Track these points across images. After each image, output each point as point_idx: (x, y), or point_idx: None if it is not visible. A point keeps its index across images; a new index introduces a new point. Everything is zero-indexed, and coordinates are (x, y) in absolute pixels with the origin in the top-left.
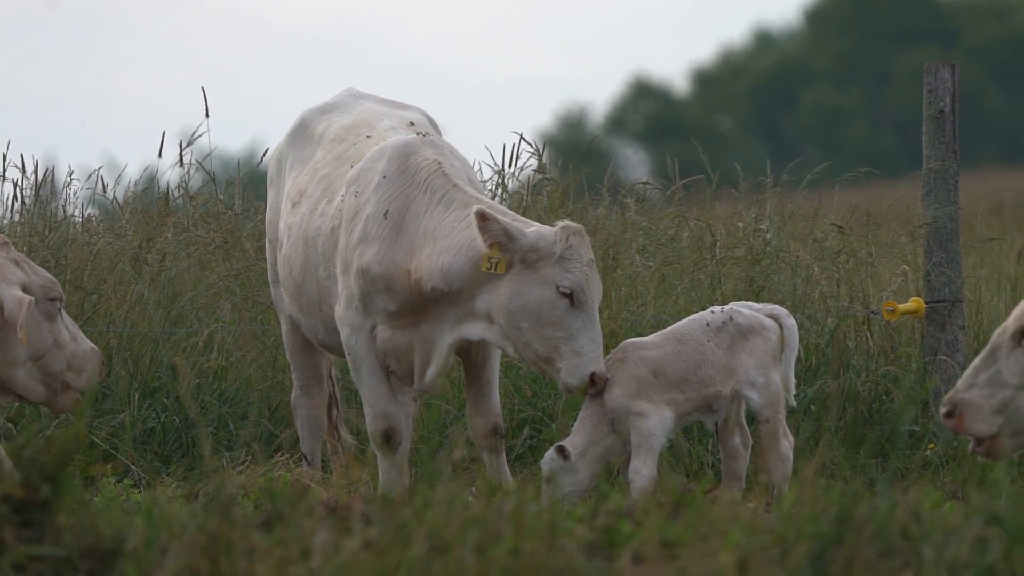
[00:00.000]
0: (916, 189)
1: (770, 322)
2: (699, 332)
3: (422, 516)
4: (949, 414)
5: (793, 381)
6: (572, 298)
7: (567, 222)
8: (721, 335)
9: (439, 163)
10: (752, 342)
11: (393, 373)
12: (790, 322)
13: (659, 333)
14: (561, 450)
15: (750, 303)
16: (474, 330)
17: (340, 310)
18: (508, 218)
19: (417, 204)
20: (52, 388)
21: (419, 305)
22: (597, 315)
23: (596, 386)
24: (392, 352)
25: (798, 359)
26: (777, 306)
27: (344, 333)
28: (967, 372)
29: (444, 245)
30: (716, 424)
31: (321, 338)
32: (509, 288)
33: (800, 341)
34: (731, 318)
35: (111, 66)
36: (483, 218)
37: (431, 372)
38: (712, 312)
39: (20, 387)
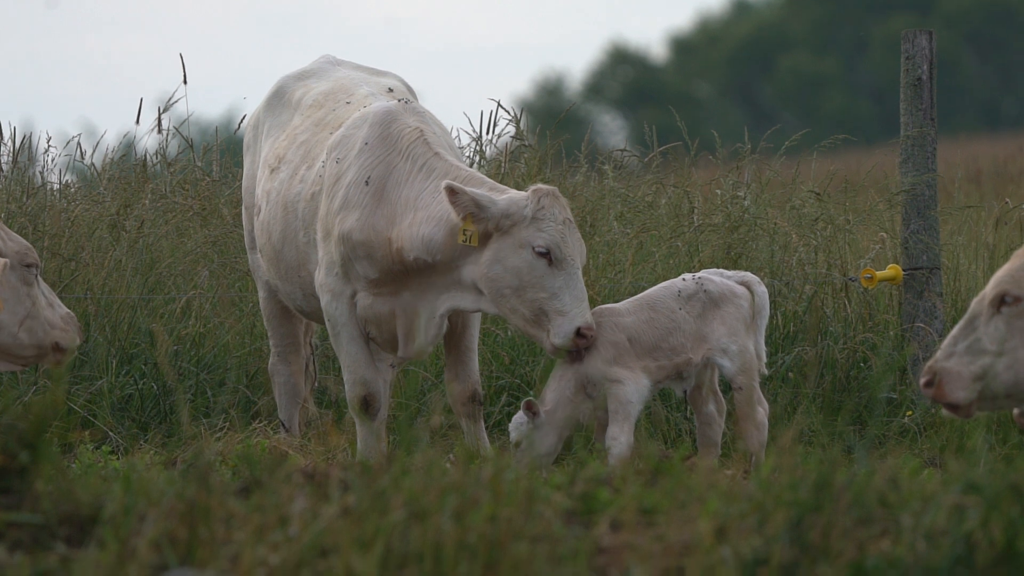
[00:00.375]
0: (894, 156)
1: (741, 289)
2: (671, 299)
3: (400, 483)
4: (929, 383)
5: (764, 349)
6: (549, 257)
7: (539, 185)
8: (692, 303)
9: (421, 131)
10: (724, 309)
11: (373, 340)
12: (761, 289)
13: (631, 300)
14: (529, 406)
15: (721, 270)
16: (466, 301)
17: (320, 276)
18: (486, 188)
19: (399, 172)
20: (41, 352)
21: (401, 273)
22: (579, 272)
23: (586, 339)
24: (373, 320)
25: (776, 326)
26: (748, 273)
27: (324, 299)
28: (946, 341)
29: (424, 215)
30: (685, 391)
31: (299, 304)
32: (488, 255)
33: (778, 308)
34: (702, 286)
35: (88, 31)
36: (452, 192)
37: (419, 341)
38: (683, 280)
39: (6, 351)
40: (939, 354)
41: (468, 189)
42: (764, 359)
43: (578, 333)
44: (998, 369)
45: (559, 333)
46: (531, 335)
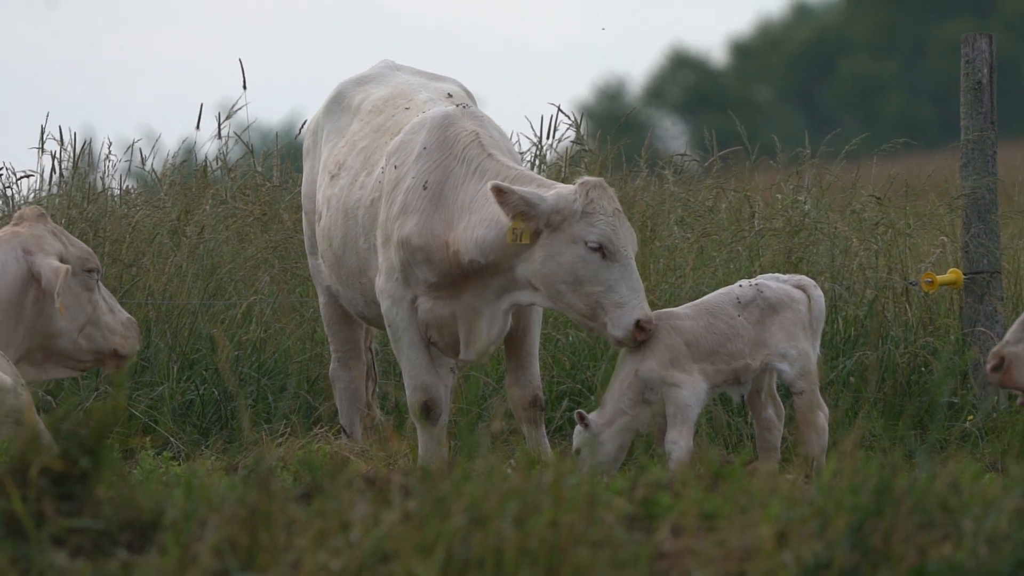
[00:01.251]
0: (954, 160)
1: (798, 293)
2: (729, 306)
3: (461, 488)
4: (996, 367)
5: (818, 354)
6: (602, 251)
7: (585, 177)
8: (750, 309)
9: (477, 134)
10: (782, 315)
11: (434, 344)
12: (817, 293)
13: (690, 304)
14: (581, 418)
15: (777, 275)
16: (523, 295)
17: (381, 282)
18: (533, 185)
19: (455, 175)
20: (100, 356)
21: (459, 276)
22: (633, 263)
23: (645, 332)
24: (434, 323)
25: (837, 331)
26: (805, 277)
27: (384, 305)
28: (1014, 326)
29: (478, 217)
30: (742, 397)
31: (360, 310)
32: (541, 253)
33: (839, 312)
34: (760, 292)
35: (147, 36)
36: (499, 192)
37: (482, 341)
38: (740, 286)
39: (66, 356)
40: (1007, 337)
41: (516, 188)
42: (817, 361)
43: (637, 325)
44: None
45: (618, 325)
46: (590, 328)
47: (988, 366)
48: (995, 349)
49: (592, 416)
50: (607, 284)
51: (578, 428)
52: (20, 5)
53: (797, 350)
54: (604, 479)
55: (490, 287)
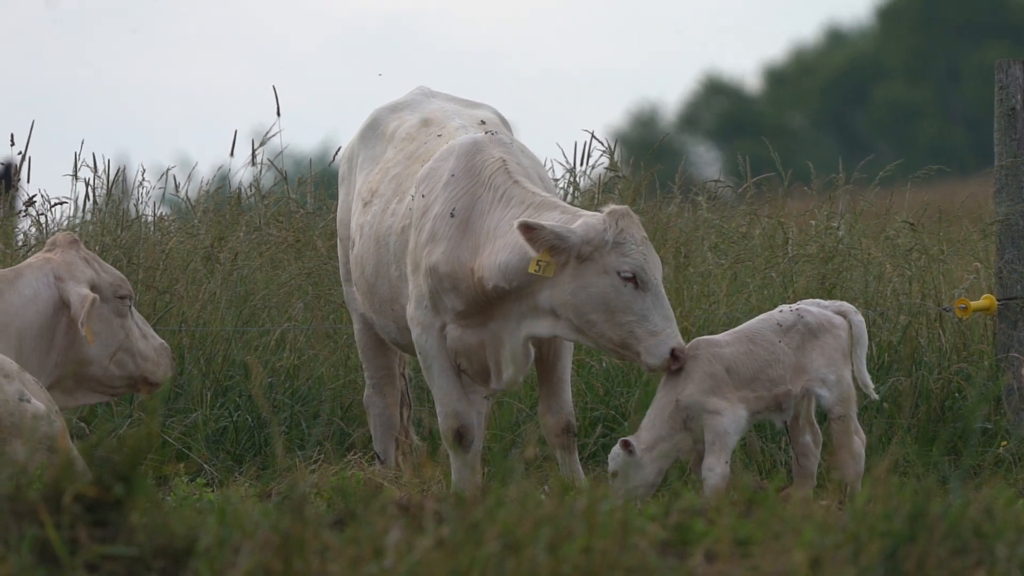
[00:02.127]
0: (988, 186)
1: (839, 319)
2: (770, 331)
3: (495, 515)
4: None
5: (867, 376)
6: (635, 280)
7: (613, 206)
8: (791, 334)
9: (503, 160)
10: (822, 340)
11: (464, 372)
12: (858, 318)
13: (730, 332)
14: (626, 444)
15: (818, 300)
16: (542, 327)
17: (411, 309)
18: (558, 212)
19: (482, 202)
20: (132, 383)
21: (485, 304)
22: (663, 290)
23: (678, 361)
24: (463, 351)
25: (871, 356)
26: (845, 303)
27: (415, 332)
28: None
29: (502, 243)
30: (785, 422)
31: (394, 337)
32: (571, 283)
33: (872, 338)
34: (801, 317)
35: (180, 63)
36: (528, 229)
37: (510, 372)
38: (781, 311)
39: (98, 383)
40: None
41: (545, 224)
42: (871, 385)
43: (672, 354)
44: None
45: (654, 354)
46: (617, 356)
47: None
48: None
49: (632, 440)
50: (640, 314)
51: (616, 452)
52: (54, 32)
53: (836, 375)
54: (638, 504)
55: (511, 314)
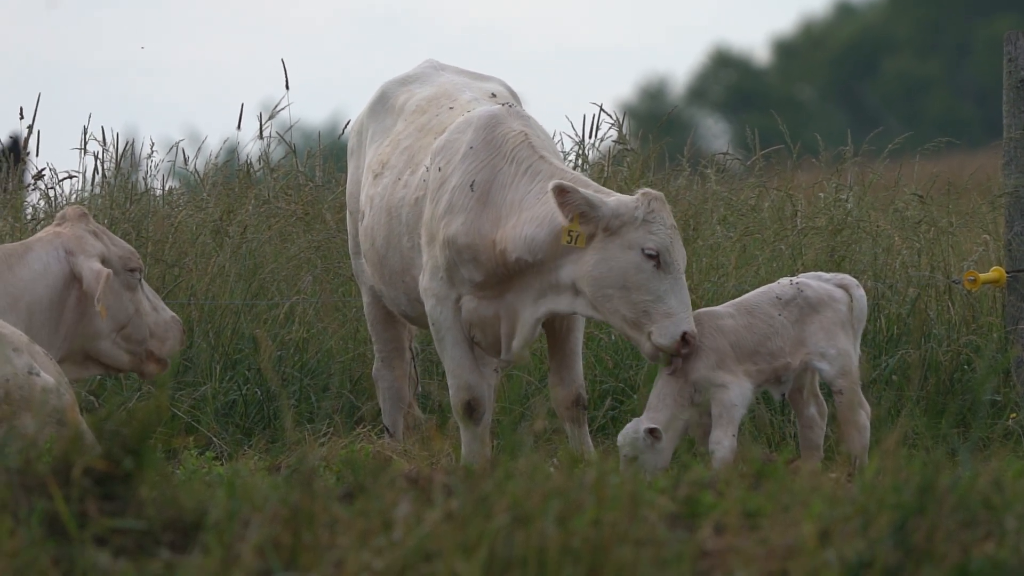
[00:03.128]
0: (997, 158)
1: (840, 292)
2: (768, 305)
3: (504, 488)
4: None
5: (858, 353)
6: (658, 260)
7: (647, 189)
8: (790, 308)
9: (525, 134)
10: (822, 314)
11: (477, 344)
12: (859, 293)
13: (730, 303)
14: (653, 431)
15: (819, 273)
16: (561, 303)
17: (425, 281)
18: (591, 189)
19: (503, 175)
20: (137, 357)
21: (504, 276)
22: (684, 279)
23: (689, 346)
24: (477, 323)
25: (879, 329)
26: (847, 276)
27: (429, 304)
28: None
29: (528, 216)
30: (783, 395)
31: (404, 309)
32: (594, 256)
33: (882, 311)
34: (800, 291)
35: (188, 36)
36: (562, 191)
37: (516, 343)
38: (781, 284)
39: (105, 357)
40: None
41: (580, 189)
42: (857, 363)
43: (684, 337)
44: None
45: (665, 334)
46: (629, 337)
47: None
48: None
49: (656, 426)
50: (657, 294)
51: (627, 435)
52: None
53: (837, 349)
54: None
55: (531, 288)
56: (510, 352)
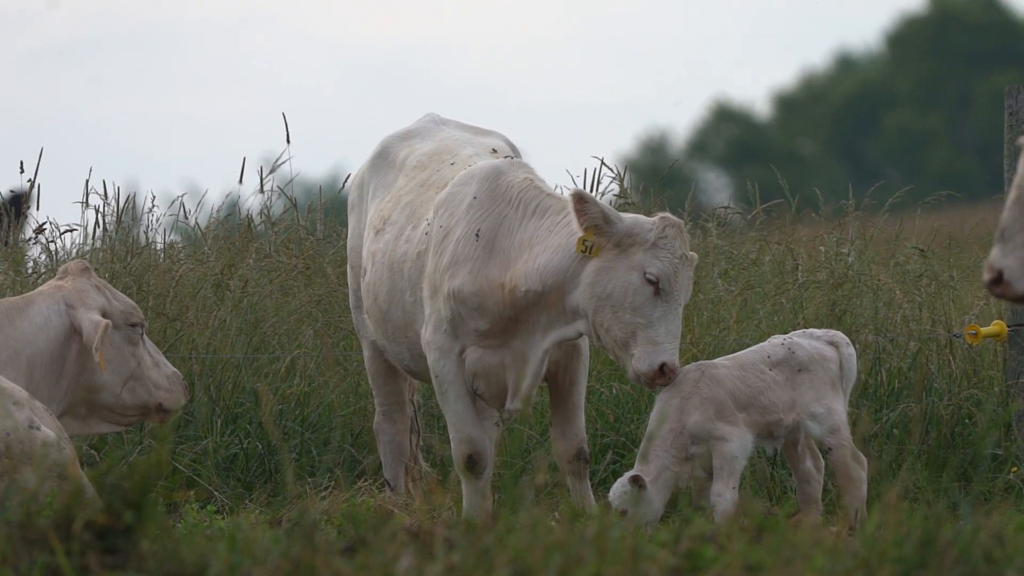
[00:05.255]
0: (998, 212)
1: (830, 351)
2: (760, 362)
3: (505, 541)
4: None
5: (846, 408)
6: (657, 286)
7: (666, 214)
8: (781, 368)
9: (530, 180)
10: (812, 373)
11: (480, 396)
12: (849, 351)
13: (724, 358)
14: (636, 480)
15: (811, 331)
16: (570, 329)
17: (428, 334)
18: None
19: (509, 220)
20: (144, 411)
21: (511, 319)
22: (680, 310)
23: (666, 377)
24: (482, 373)
25: (880, 383)
26: (838, 333)
27: (432, 357)
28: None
29: (541, 247)
30: (775, 450)
31: (407, 364)
32: (597, 270)
33: (883, 364)
34: (791, 352)
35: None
36: (582, 200)
37: (525, 385)
38: (772, 344)
39: (110, 411)
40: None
41: (598, 201)
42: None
43: (661, 368)
44: None
45: (644, 359)
46: (616, 356)
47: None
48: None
49: (640, 475)
50: (649, 319)
51: (622, 487)
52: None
53: (825, 408)
54: (648, 531)
55: (539, 324)
56: (517, 399)
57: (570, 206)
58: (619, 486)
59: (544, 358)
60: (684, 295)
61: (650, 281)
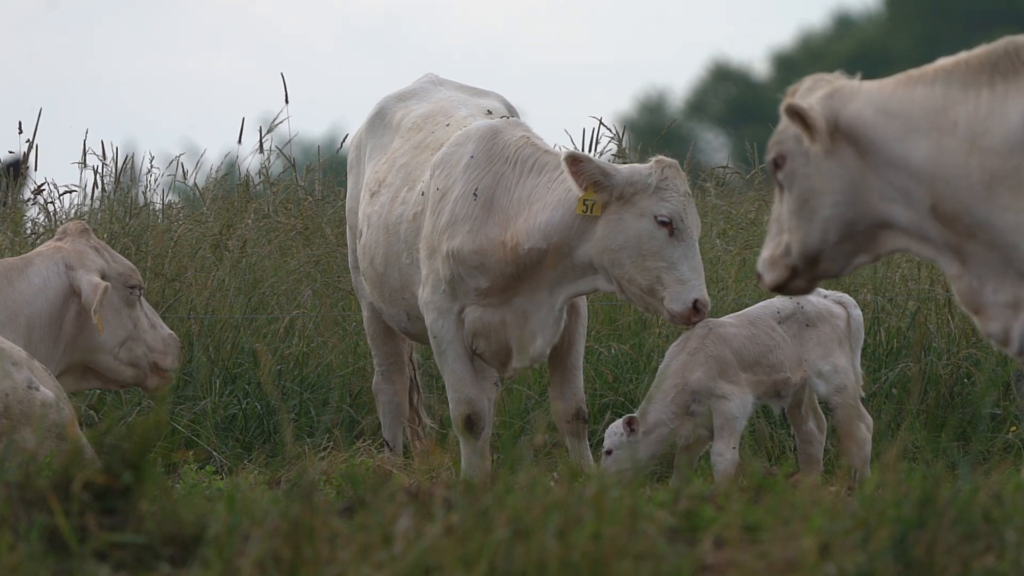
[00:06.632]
0: None
1: (838, 308)
2: (770, 317)
3: (504, 501)
4: None
5: (860, 371)
6: (671, 227)
7: (661, 157)
8: (789, 323)
9: (527, 138)
10: (820, 329)
11: (480, 356)
12: (857, 312)
13: (733, 315)
14: (630, 422)
15: (819, 290)
16: (581, 285)
17: (426, 294)
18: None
19: (507, 179)
20: (140, 371)
21: (512, 277)
22: (696, 246)
23: (700, 314)
24: (483, 332)
25: (879, 342)
26: (845, 295)
27: (430, 317)
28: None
29: (540, 205)
30: (783, 409)
31: (404, 326)
32: (606, 226)
33: (881, 324)
34: (800, 306)
35: (188, 51)
36: (575, 161)
37: (538, 344)
38: (781, 299)
39: (106, 372)
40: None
41: (591, 157)
42: (861, 381)
43: (695, 305)
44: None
45: (677, 300)
46: (648, 305)
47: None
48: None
49: (637, 419)
50: (670, 261)
51: (612, 428)
52: (60, 22)
53: (832, 366)
54: (647, 491)
55: (544, 281)
56: (523, 357)
57: (565, 169)
58: (614, 426)
59: (560, 316)
60: (696, 231)
61: (663, 223)
